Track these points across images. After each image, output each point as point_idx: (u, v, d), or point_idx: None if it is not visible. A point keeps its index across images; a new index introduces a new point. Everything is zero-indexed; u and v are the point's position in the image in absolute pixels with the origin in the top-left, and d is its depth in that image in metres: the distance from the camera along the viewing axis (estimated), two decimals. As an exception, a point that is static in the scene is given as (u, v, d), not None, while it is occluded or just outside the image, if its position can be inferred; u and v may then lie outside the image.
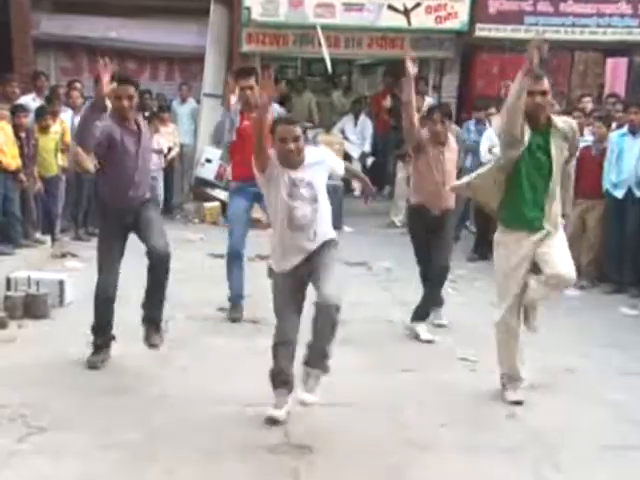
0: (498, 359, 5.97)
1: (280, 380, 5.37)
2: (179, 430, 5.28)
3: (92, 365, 6.40)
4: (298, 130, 5.27)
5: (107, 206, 6.52)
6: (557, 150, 5.75)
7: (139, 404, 5.74)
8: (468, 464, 5.00)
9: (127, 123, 6.31)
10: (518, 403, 5.79)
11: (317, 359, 5.24)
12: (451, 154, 7.46)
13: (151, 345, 6.54)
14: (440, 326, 7.70)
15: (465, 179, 6.42)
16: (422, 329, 7.39)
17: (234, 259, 7.80)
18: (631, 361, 4.90)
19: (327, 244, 5.44)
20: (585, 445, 5.26)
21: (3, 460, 4.80)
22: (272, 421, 5.28)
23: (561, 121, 5.88)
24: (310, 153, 5.46)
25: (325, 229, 5.46)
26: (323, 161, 5.52)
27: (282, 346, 5.36)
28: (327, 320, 5.16)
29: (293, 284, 5.47)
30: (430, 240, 7.43)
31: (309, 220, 5.34)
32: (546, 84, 5.69)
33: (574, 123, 6.06)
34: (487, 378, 6.29)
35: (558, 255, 5.76)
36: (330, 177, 5.67)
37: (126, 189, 6.33)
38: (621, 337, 5.07)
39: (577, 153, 6.11)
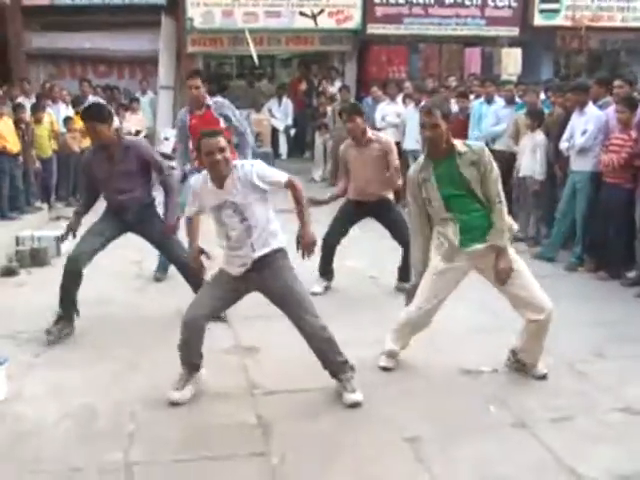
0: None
1: (183, 357, 4.48)
2: (157, 346, 5.25)
3: (47, 333, 5.40)
4: (222, 141, 4.18)
5: None
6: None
7: (127, 326, 5.77)
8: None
9: None
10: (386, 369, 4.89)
11: (336, 369, 4.43)
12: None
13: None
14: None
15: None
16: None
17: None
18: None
19: (272, 257, 4.38)
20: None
21: (23, 371, 4.86)
22: (173, 404, 4.37)
23: None
24: (239, 169, 4.28)
25: (265, 241, 4.36)
26: (251, 177, 4.25)
27: (185, 325, 4.40)
28: (322, 342, 4.38)
29: (231, 286, 4.48)
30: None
31: (244, 238, 4.31)
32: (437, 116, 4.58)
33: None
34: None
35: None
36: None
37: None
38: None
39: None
